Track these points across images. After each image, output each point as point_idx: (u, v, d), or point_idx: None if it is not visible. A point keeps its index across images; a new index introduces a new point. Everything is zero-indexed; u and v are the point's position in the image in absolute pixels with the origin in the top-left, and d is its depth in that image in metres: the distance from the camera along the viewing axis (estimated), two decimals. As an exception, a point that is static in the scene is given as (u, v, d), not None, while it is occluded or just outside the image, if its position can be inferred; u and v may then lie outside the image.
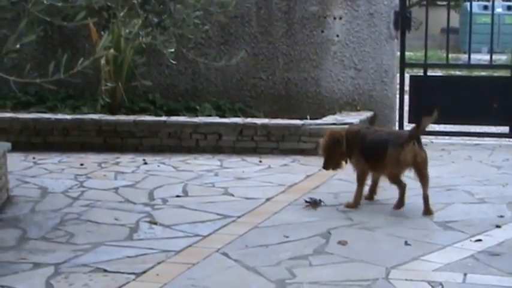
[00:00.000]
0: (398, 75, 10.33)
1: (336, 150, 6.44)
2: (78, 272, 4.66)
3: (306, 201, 6.41)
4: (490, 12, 10.73)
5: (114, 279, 4.56)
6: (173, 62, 7.73)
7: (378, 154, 6.25)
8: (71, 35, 10.46)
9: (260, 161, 8.40)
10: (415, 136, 6.16)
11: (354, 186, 6.76)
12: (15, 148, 7.17)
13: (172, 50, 6.48)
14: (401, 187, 6.26)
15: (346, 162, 6.55)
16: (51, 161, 8.32)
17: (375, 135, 6.56)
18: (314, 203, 6.37)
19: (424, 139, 10.00)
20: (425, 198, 6.19)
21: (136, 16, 6.02)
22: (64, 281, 4.53)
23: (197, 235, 5.49)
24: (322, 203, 6.39)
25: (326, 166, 6.56)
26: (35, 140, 9.09)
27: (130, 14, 5.99)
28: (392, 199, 6.57)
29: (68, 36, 10.49)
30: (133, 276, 4.60)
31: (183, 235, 5.50)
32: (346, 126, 7.82)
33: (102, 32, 5.43)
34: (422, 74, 10.56)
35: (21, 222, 5.81)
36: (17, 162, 7.98)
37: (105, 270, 4.70)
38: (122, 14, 5.95)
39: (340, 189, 6.91)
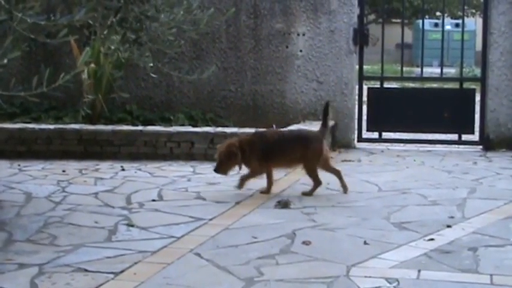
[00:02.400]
0: (357, 87, 10.38)
1: (231, 161, 6.86)
2: (60, 272, 4.61)
3: (278, 203, 6.42)
4: (440, 29, 10.81)
5: (94, 278, 4.52)
6: (153, 76, 7.68)
7: (290, 151, 6.77)
8: (53, 51, 10.38)
9: (230, 167, 8.36)
10: (325, 134, 6.94)
11: (319, 191, 6.78)
12: (1, 156, 7.12)
13: (151, 64, 6.47)
14: (318, 182, 6.79)
15: (240, 168, 6.91)
16: (35, 168, 8.23)
17: (277, 135, 7.05)
18: (285, 203, 6.39)
19: (380, 146, 10.16)
20: (341, 177, 6.91)
21: (114, 33, 5.99)
22: (47, 280, 4.48)
23: (172, 236, 5.46)
24: (291, 203, 6.41)
25: (218, 171, 6.97)
26: (20, 149, 8.98)
27: (110, 31, 5.96)
28: (353, 202, 6.59)
29: (51, 52, 10.41)
30: (112, 276, 4.56)
31: (159, 237, 5.47)
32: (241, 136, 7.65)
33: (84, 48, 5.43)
34: (379, 86, 10.62)
35: (7, 226, 5.74)
36: (3, 169, 7.90)
37: (86, 270, 4.65)
38: (101, 31, 5.92)
39: (304, 193, 6.92)
